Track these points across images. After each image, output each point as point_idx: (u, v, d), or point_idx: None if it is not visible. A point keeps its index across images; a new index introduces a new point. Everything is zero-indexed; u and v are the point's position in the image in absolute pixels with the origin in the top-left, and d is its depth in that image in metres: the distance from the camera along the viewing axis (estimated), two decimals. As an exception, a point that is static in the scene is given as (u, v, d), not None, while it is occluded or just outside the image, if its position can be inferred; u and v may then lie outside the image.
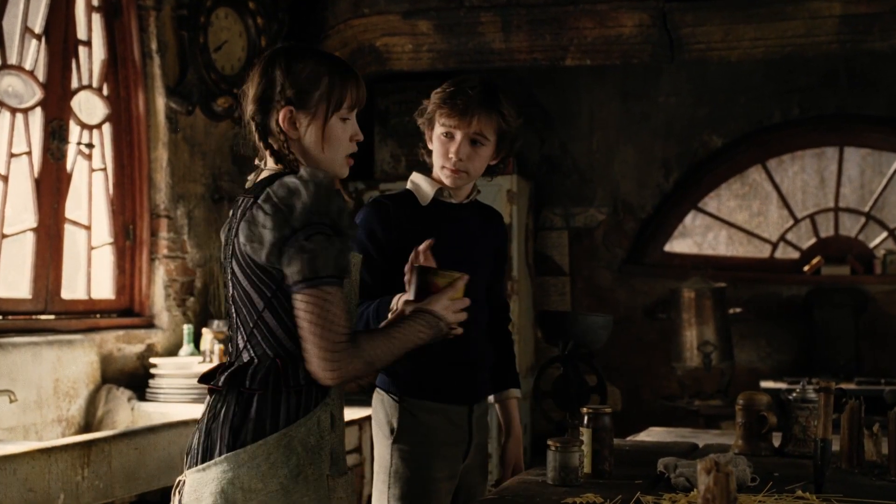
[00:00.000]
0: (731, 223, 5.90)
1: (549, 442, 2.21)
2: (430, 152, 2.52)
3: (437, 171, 2.48)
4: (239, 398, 1.83)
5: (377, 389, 2.55)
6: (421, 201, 2.49)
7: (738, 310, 5.46)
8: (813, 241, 5.80)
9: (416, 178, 2.53)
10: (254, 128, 1.97)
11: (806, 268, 5.70)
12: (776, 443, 2.76)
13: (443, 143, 2.44)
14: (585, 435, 2.30)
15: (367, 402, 4.63)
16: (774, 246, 5.85)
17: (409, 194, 2.52)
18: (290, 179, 1.82)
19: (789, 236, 5.84)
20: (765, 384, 5.15)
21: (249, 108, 1.97)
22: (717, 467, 1.24)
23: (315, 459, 1.82)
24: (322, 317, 1.78)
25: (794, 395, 2.74)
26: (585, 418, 2.32)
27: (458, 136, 2.42)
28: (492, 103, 2.42)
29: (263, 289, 1.84)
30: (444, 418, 2.44)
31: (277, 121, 1.93)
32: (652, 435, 3.55)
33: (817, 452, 2.29)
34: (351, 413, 4.24)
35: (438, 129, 2.45)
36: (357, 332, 1.87)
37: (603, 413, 2.32)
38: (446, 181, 2.47)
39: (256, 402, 1.82)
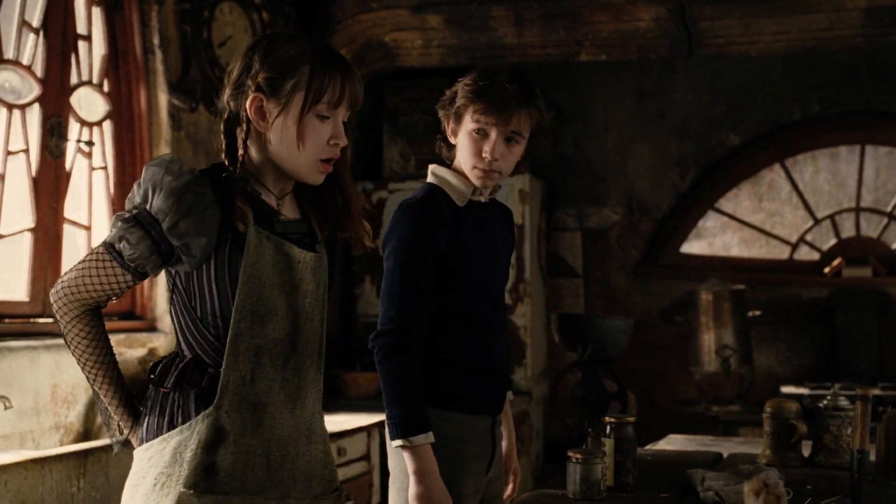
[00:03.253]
0: (750, 224, 5.76)
1: (570, 453, 2.08)
2: (450, 146, 2.35)
3: (465, 169, 2.29)
4: (150, 395, 1.84)
5: None
6: (458, 201, 2.29)
7: (757, 312, 5.33)
8: (833, 241, 5.66)
9: (444, 173, 2.32)
10: (225, 114, 1.81)
11: (826, 269, 5.56)
12: (805, 452, 2.65)
13: (475, 141, 2.25)
14: (607, 446, 2.18)
15: (374, 409, 4.53)
16: (794, 247, 5.71)
17: (439, 193, 2.30)
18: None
19: (809, 237, 5.70)
20: (786, 389, 5.01)
21: (225, 92, 1.82)
22: (766, 488, 1.11)
23: (176, 471, 1.72)
24: (82, 262, 1.77)
25: (825, 402, 2.63)
26: (608, 428, 2.20)
27: (494, 134, 2.23)
28: (530, 99, 2.25)
29: (168, 285, 1.82)
30: (472, 430, 2.27)
31: (245, 107, 1.77)
32: (672, 443, 3.45)
33: (854, 464, 2.18)
34: (359, 419, 4.12)
35: (470, 125, 2.25)
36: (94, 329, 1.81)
37: (626, 422, 2.20)
38: (476, 181, 2.28)
39: (150, 400, 1.81)
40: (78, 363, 1.83)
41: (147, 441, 1.78)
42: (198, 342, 1.77)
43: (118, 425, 1.87)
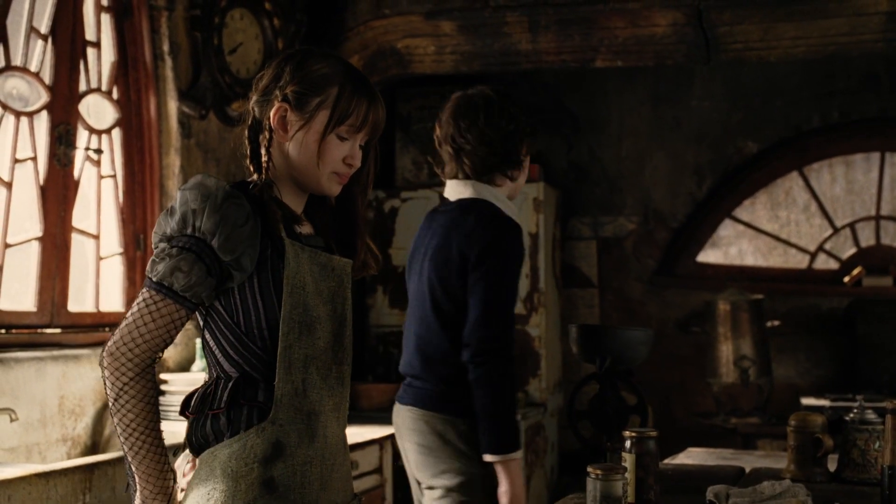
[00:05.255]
0: (768, 233, 5.68)
1: (590, 469, 2.00)
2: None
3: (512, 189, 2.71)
4: (191, 420, 1.79)
5: (441, 416, 2.58)
6: (515, 219, 2.64)
7: (776, 323, 5.24)
8: (853, 250, 5.56)
9: (495, 192, 2.64)
10: (249, 120, 1.84)
11: (846, 279, 5.47)
12: (830, 467, 2.57)
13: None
14: (628, 461, 2.10)
15: (386, 421, 4.46)
16: (812, 256, 5.62)
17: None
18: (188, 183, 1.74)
19: (828, 246, 5.61)
20: (806, 401, 4.91)
21: (252, 98, 1.84)
22: (805, 512, 1.03)
23: (230, 486, 1.67)
24: (132, 313, 1.69)
25: (853, 415, 2.54)
26: (628, 443, 2.12)
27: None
28: None
29: (201, 309, 1.77)
30: None
31: (269, 116, 1.79)
32: (692, 457, 3.36)
33: (885, 481, 2.11)
34: (371, 432, 4.05)
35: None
36: (144, 384, 1.69)
37: (648, 437, 2.12)
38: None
39: (191, 423, 1.77)
40: (123, 430, 1.69)
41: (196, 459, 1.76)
42: (244, 358, 1.74)
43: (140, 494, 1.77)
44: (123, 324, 1.69)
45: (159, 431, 1.73)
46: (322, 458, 1.77)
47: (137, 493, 1.75)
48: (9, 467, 2.77)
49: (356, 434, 3.98)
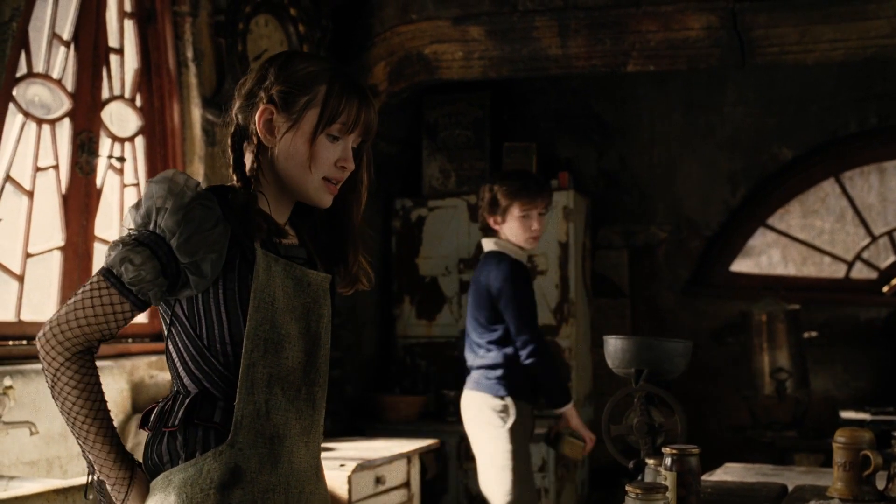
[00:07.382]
0: (805, 241, 5.55)
1: (628, 488, 1.90)
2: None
3: (520, 240, 3.71)
4: (148, 437, 1.70)
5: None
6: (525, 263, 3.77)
7: (813, 333, 5.11)
8: (892, 259, 5.42)
9: (503, 244, 3.74)
10: (232, 128, 1.72)
11: (885, 288, 5.33)
12: (878, 485, 2.45)
13: (523, 222, 3.69)
14: (669, 479, 2.00)
15: (414, 433, 4.37)
16: (850, 265, 5.48)
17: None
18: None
19: (865, 254, 5.47)
20: (846, 414, 4.78)
21: (236, 104, 1.72)
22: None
23: None
24: (74, 296, 1.62)
25: (902, 431, 2.43)
26: (669, 460, 2.02)
27: (535, 214, 3.71)
28: (548, 187, 3.84)
29: (164, 317, 1.68)
30: None
31: (255, 120, 1.68)
32: (730, 472, 3.25)
33: (941, 501, 1.98)
34: (399, 446, 3.96)
35: (518, 213, 3.68)
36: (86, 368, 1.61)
37: (689, 454, 2.02)
38: (529, 246, 3.76)
39: (148, 440, 1.67)
40: (66, 418, 1.63)
41: (151, 483, 1.66)
42: (205, 373, 1.64)
43: (105, 489, 1.69)
44: (63, 306, 1.62)
45: (108, 420, 1.64)
46: (287, 486, 1.66)
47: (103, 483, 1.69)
48: (28, 482, 2.71)
49: (383, 448, 3.89)
